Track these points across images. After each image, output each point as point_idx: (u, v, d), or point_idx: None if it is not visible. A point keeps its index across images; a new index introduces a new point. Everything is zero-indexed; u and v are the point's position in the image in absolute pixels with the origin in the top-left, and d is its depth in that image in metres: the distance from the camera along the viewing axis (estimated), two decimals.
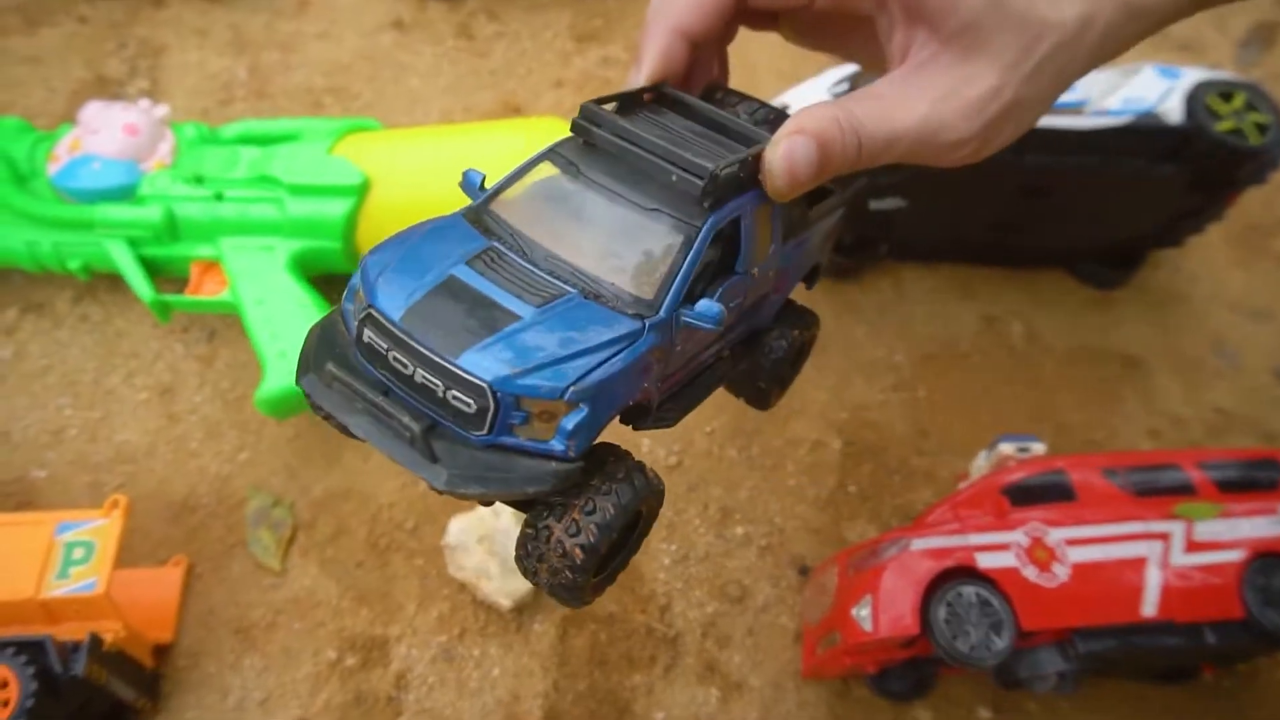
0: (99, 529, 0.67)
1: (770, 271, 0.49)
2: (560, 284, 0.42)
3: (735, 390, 0.59)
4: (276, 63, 1.09)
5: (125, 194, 0.84)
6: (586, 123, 0.45)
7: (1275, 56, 1.13)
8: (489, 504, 0.43)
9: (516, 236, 0.44)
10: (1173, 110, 0.81)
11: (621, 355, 0.39)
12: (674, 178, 0.43)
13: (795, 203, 0.50)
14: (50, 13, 1.13)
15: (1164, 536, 0.67)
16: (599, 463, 0.42)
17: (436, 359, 0.38)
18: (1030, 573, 0.65)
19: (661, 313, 0.42)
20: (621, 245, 0.43)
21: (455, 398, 0.38)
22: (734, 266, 0.46)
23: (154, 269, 0.86)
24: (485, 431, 0.39)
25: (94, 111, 0.88)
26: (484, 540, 0.76)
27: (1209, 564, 0.66)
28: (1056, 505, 0.68)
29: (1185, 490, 0.69)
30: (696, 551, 0.81)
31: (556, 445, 0.39)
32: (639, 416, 0.45)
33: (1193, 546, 0.67)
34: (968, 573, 0.65)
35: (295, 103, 1.06)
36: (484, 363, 0.38)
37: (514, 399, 0.38)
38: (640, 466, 0.43)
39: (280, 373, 0.78)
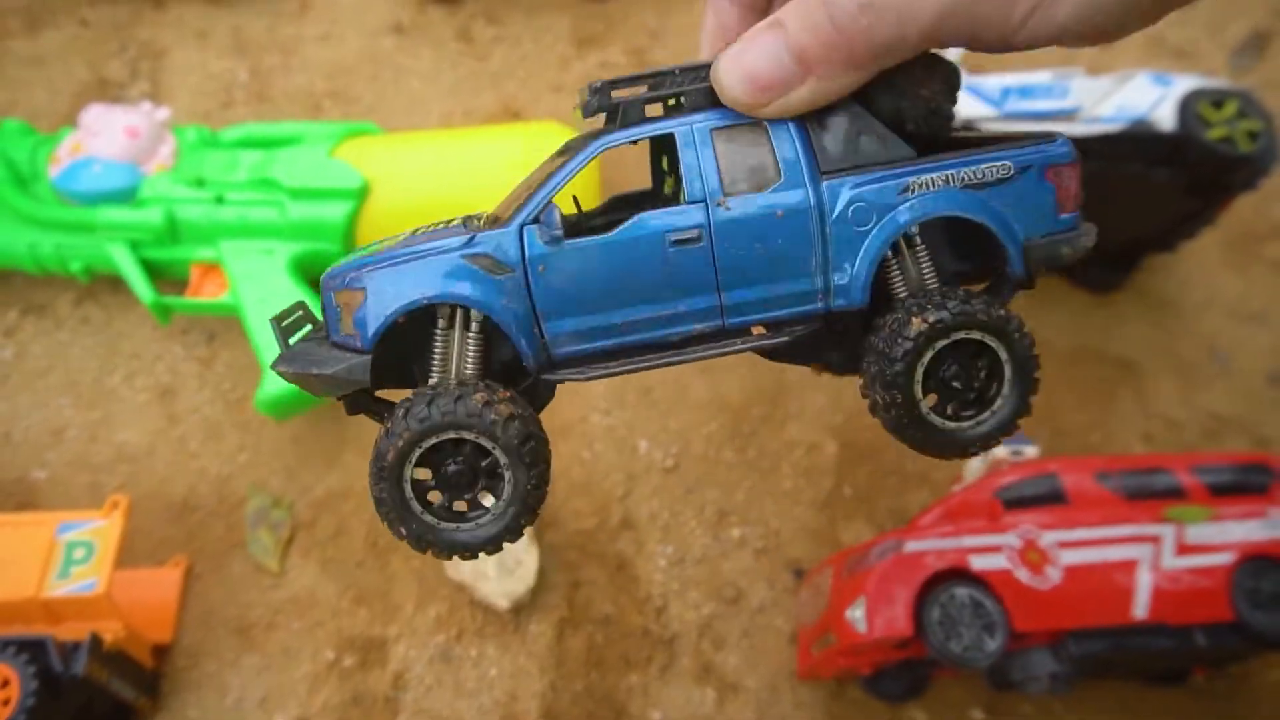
0: (99, 529, 0.67)
1: (778, 211, 0.40)
2: (467, 221, 0.43)
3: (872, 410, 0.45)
4: (277, 65, 1.10)
5: (126, 196, 0.85)
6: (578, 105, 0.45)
7: (1269, 63, 1.14)
8: (329, 395, 0.42)
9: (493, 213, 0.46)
10: (1165, 118, 0.82)
11: (422, 257, 0.40)
12: (577, 109, 0.42)
13: (854, 127, 0.41)
14: (53, 15, 1.13)
15: (1155, 539, 0.67)
16: (440, 383, 0.41)
17: None
18: (1023, 575, 0.65)
19: (507, 227, 0.40)
20: (527, 188, 0.43)
21: None
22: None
23: (154, 271, 0.87)
24: (326, 330, 0.42)
25: (95, 114, 0.88)
26: None
27: (1199, 567, 0.67)
28: (1049, 508, 0.69)
29: (1176, 494, 0.70)
30: (693, 553, 0.82)
31: (353, 339, 0.40)
32: (517, 352, 0.42)
33: (1183, 549, 0.67)
34: (961, 575, 0.65)
35: (296, 105, 1.07)
36: (330, 272, 0.42)
37: (332, 293, 0.41)
38: (467, 393, 0.39)
39: None
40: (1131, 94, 0.85)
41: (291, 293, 0.83)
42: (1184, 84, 0.85)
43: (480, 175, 0.84)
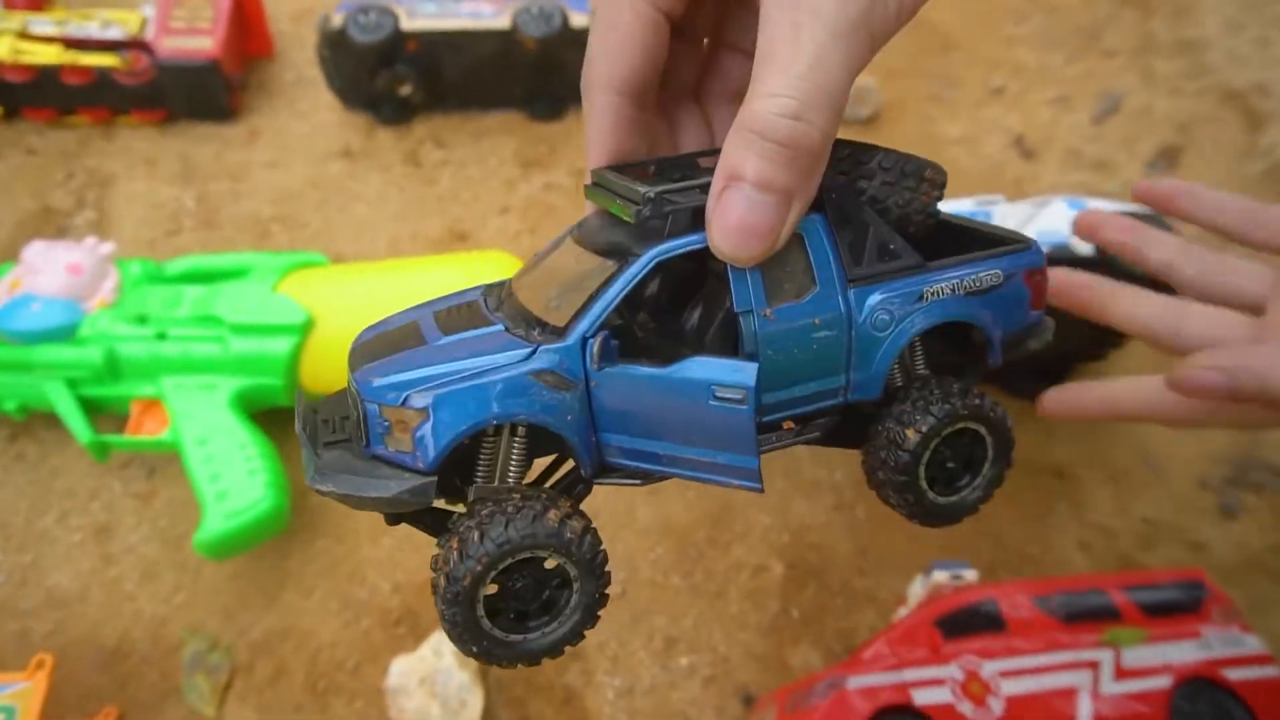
0: (21, 692, 0.65)
1: (814, 319, 0.44)
2: (494, 320, 0.44)
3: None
4: (225, 192, 1.11)
5: (65, 334, 0.84)
6: (589, 185, 0.47)
7: (1178, 175, 1.20)
8: (381, 512, 0.42)
9: (503, 294, 0.46)
10: (1082, 242, 0.86)
11: (486, 374, 0.40)
12: (617, 206, 0.43)
13: (875, 238, 0.46)
14: None
15: (1093, 665, 0.68)
16: (501, 495, 0.41)
17: (349, 375, 0.43)
18: (966, 708, 0.66)
19: (567, 339, 0.41)
20: (572, 287, 0.43)
21: (353, 407, 0.43)
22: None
23: (93, 407, 0.86)
24: (365, 441, 0.42)
25: (37, 251, 0.88)
26: (425, 682, 0.75)
27: (1138, 692, 0.67)
28: (989, 635, 0.69)
29: (1112, 615, 0.71)
30: (641, 684, 0.81)
31: (409, 457, 0.40)
32: (564, 451, 0.44)
33: (1121, 674, 0.68)
34: (905, 710, 0.65)
35: (243, 232, 1.08)
36: (366, 375, 0.42)
37: (376, 406, 0.41)
38: (540, 510, 0.40)
39: (219, 515, 0.78)
40: (1049, 219, 0.89)
41: (233, 429, 0.82)
42: (1097, 208, 0.90)
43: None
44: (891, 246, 0.46)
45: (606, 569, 0.42)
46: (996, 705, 0.66)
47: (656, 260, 0.42)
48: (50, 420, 0.90)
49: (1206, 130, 1.23)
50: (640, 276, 0.42)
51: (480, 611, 0.40)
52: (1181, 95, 1.26)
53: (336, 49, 1.08)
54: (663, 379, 0.41)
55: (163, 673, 0.80)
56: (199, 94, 1.12)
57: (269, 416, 0.88)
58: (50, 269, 0.86)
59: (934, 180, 0.47)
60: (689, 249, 0.42)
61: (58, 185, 1.11)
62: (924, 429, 0.45)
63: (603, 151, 0.47)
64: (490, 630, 0.41)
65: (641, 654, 0.82)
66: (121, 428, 0.87)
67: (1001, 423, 0.48)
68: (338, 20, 1.06)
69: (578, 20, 1.07)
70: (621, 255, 0.43)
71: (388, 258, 1.06)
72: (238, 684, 0.80)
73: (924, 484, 0.47)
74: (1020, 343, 0.50)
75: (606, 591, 0.43)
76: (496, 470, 0.43)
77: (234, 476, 0.79)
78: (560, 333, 0.41)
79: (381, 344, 0.45)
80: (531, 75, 1.12)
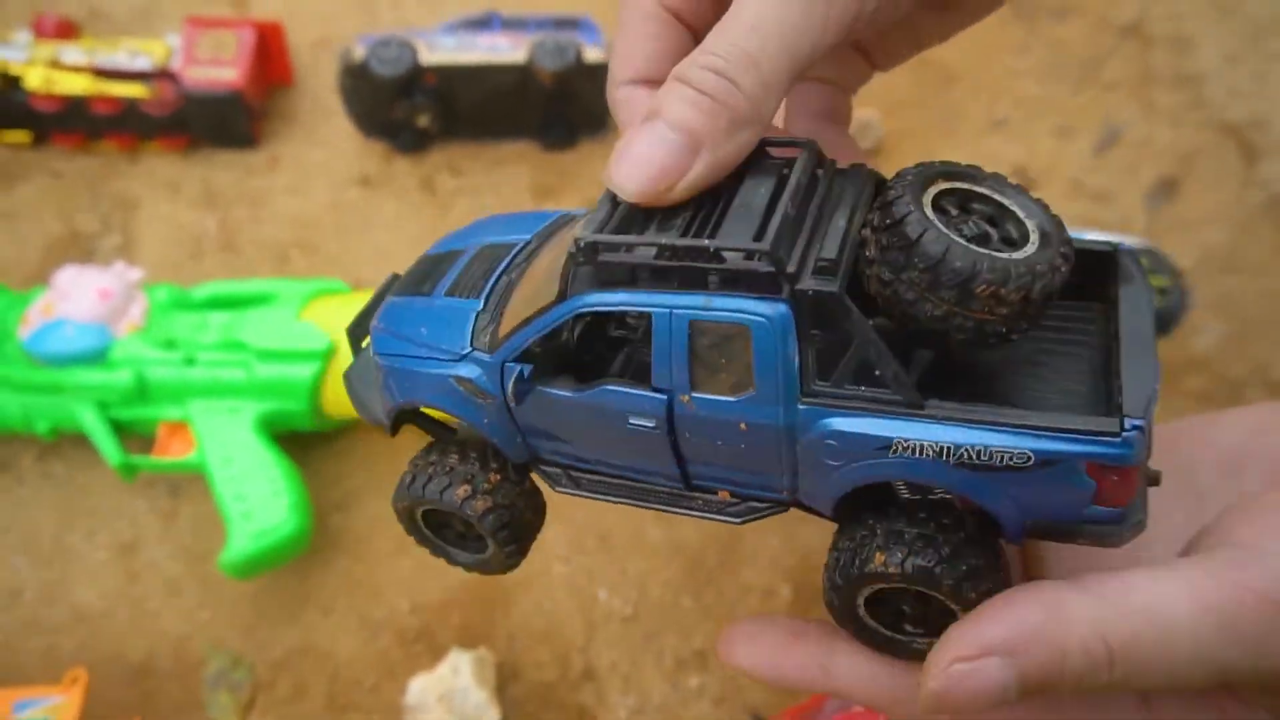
0: (57, 706, 0.67)
1: (741, 424, 0.37)
2: (484, 292, 0.47)
3: None
4: (246, 217, 1.14)
5: (96, 358, 0.87)
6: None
7: (1177, 206, 1.23)
8: (390, 430, 0.51)
9: (528, 256, 0.49)
10: None
11: (424, 363, 0.45)
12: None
13: (857, 354, 0.36)
14: (26, 169, 1.17)
15: None
16: (449, 452, 0.49)
17: None
18: None
19: (491, 356, 0.43)
20: (527, 298, 0.44)
21: None
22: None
23: (121, 428, 0.88)
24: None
25: (69, 276, 0.91)
26: (443, 699, 0.78)
27: None
28: None
29: None
30: (653, 703, 0.83)
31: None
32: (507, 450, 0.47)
33: None
34: None
35: (263, 256, 1.10)
36: (385, 306, 0.50)
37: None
38: (452, 483, 0.46)
39: (244, 536, 0.80)
40: None
41: (257, 451, 0.85)
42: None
43: None
44: (877, 372, 0.36)
45: (514, 540, 0.48)
46: None
47: (578, 311, 0.39)
48: (77, 440, 0.93)
49: (1205, 162, 1.26)
50: (562, 319, 0.40)
51: (421, 524, 0.50)
52: (1181, 127, 1.29)
53: (357, 80, 1.11)
54: (577, 403, 0.41)
55: (186, 689, 0.82)
56: (222, 123, 1.15)
57: (292, 440, 0.90)
58: (81, 294, 0.89)
59: (994, 297, 0.34)
60: (614, 309, 0.39)
61: (83, 209, 1.14)
62: (840, 578, 0.40)
63: (621, 72, 0.45)
64: (432, 538, 0.51)
65: (653, 673, 0.84)
66: (147, 448, 0.89)
67: (975, 599, 0.37)
68: (359, 53, 1.09)
69: (591, 55, 1.10)
70: (562, 288, 0.40)
71: None
72: (260, 701, 0.82)
73: (860, 609, 0.41)
74: (1067, 534, 0.37)
75: (516, 556, 0.49)
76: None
77: (258, 498, 0.82)
78: (494, 345, 0.43)
79: (424, 269, 0.51)
80: (546, 106, 1.15)
